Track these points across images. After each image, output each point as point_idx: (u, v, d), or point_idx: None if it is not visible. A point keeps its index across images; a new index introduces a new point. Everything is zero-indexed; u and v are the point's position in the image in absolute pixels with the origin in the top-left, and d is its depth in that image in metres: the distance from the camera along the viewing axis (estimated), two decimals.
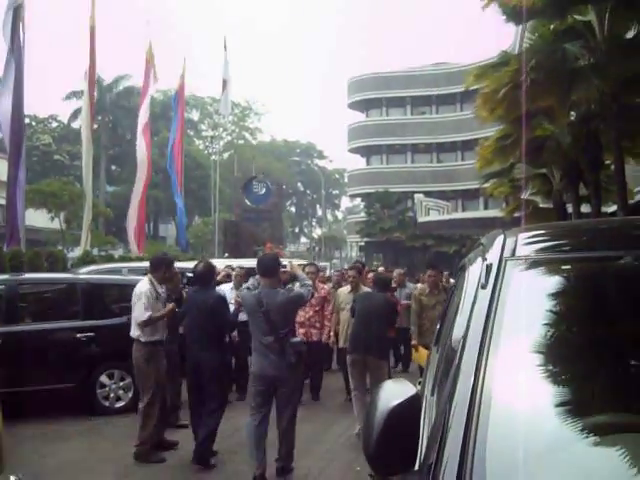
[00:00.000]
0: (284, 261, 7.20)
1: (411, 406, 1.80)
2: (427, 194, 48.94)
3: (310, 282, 7.27)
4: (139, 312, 7.42)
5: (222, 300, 7.68)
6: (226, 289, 10.12)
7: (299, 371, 6.97)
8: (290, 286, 7.27)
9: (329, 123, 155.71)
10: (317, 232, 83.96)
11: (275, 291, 6.56)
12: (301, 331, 10.16)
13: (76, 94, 47.53)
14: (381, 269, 16.67)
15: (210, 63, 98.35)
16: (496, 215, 30.32)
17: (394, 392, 1.84)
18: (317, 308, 10.60)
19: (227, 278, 10.81)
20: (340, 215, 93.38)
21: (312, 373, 10.86)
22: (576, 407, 1.72)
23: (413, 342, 9.46)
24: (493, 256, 2.26)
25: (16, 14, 15.93)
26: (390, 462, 1.80)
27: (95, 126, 18.72)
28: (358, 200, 65.72)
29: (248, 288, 6.80)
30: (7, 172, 16.20)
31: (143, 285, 7.59)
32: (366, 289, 9.73)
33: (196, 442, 7.21)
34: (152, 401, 7.37)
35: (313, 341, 10.38)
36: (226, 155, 62.23)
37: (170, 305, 7.72)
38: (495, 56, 18.95)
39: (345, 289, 10.37)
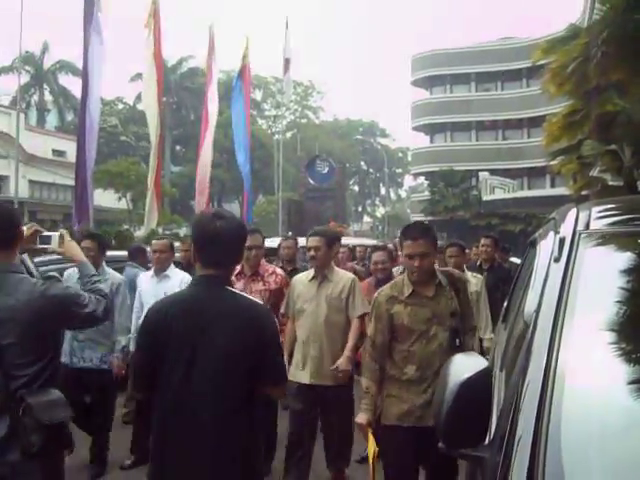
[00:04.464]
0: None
1: (482, 379, 1.78)
2: (492, 172, 48.25)
3: (99, 278, 3.50)
4: None
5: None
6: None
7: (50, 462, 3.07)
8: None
9: (392, 101, 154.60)
10: (380, 211, 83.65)
11: (15, 279, 3.08)
12: None
13: (141, 76, 48.21)
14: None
15: (272, 42, 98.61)
16: (563, 193, 29.77)
17: (465, 365, 1.82)
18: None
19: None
20: (403, 194, 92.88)
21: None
22: None
23: (359, 419, 4.17)
24: (566, 230, 2.22)
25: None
26: (461, 435, 1.79)
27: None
28: (422, 179, 65.17)
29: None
30: (76, 153, 16.61)
31: None
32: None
33: None
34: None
35: None
36: (289, 134, 62.45)
37: None
38: (563, 29, 18.52)
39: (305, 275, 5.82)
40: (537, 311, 1.91)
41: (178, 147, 58.56)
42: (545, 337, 1.73)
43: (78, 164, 16.40)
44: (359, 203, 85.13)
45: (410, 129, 61.56)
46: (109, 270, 6.09)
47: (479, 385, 1.77)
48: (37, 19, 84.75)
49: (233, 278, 5.66)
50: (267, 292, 5.92)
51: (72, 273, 5.82)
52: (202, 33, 26.56)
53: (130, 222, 32.09)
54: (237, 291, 3.16)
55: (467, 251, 8.57)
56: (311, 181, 31.74)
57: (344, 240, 11.67)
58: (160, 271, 6.63)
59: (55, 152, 41.44)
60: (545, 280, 2.03)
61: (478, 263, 8.26)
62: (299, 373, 5.44)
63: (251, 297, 3.29)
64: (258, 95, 65.65)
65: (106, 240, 6.48)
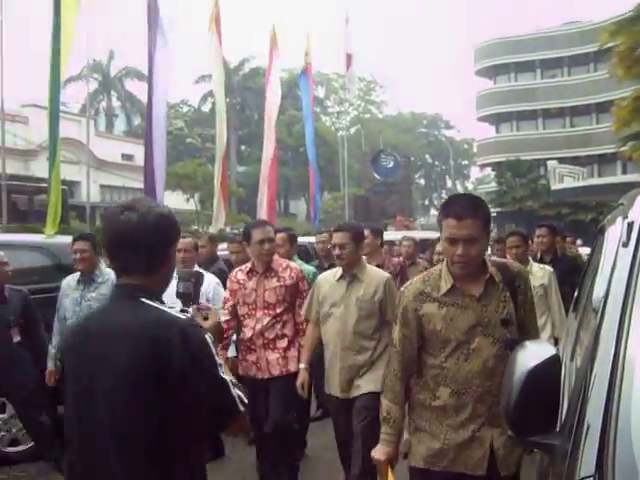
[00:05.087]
0: None
1: (551, 367, 1.77)
2: (560, 160, 47.25)
3: None
4: None
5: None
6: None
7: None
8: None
9: (456, 92, 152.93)
10: None
11: None
12: (250, 359, 5.31)
13: (205, 78, 48.94)
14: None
15: (333, 37, 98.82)
16: (636, 179, 29.01)
17: (533, 353, 1.81)
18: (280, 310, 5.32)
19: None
20: (470, 186, 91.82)
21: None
22: None
23: (377, 454, 3.24)
24: (635, 214, 2.17)
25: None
26: (530, 423, 1.78)
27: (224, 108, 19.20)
28: (488, 170, 64.32)
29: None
30: (144, 157, 16.95)
31: None
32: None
33: None
34: None
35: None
36: (353, 130, 62.37)
37: None
38: (631, 10, 18.04)
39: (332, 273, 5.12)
40: (605, 297, 1.88)
41: (243, 147, 59.21)
42: (613, 323, 1.70)
43: (146, 168, 16.71)
44: (425, 196, 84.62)
45: (475, 120, 60.91)
46: (108, 270, 5.65)
47: (548, 373, 1.76)
48: (102, 28, 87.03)
49: (244, 277, 5.31)
50: (282, 288, 5.27)
51: (70, 280, 5.78)
52: (262, 32, 26.79)
53: (198, 222, 32.60)
54: (159, 306, 2.25)
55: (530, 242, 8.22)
56: (376, 176, 31.75)
57: (409, 234, 11.60)
58: None
59: (124, 156, 42.39)
60: (613, 266, 1.99)
61: (539, 257, 7.36)
62: (330, 386, 4.92)
63: (175, 313, 2.27)
64: (321, 92, 65.84)
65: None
